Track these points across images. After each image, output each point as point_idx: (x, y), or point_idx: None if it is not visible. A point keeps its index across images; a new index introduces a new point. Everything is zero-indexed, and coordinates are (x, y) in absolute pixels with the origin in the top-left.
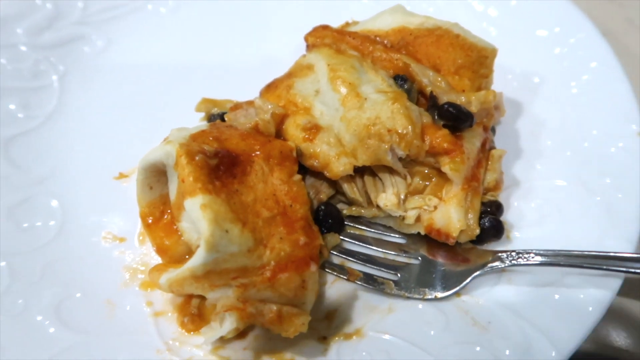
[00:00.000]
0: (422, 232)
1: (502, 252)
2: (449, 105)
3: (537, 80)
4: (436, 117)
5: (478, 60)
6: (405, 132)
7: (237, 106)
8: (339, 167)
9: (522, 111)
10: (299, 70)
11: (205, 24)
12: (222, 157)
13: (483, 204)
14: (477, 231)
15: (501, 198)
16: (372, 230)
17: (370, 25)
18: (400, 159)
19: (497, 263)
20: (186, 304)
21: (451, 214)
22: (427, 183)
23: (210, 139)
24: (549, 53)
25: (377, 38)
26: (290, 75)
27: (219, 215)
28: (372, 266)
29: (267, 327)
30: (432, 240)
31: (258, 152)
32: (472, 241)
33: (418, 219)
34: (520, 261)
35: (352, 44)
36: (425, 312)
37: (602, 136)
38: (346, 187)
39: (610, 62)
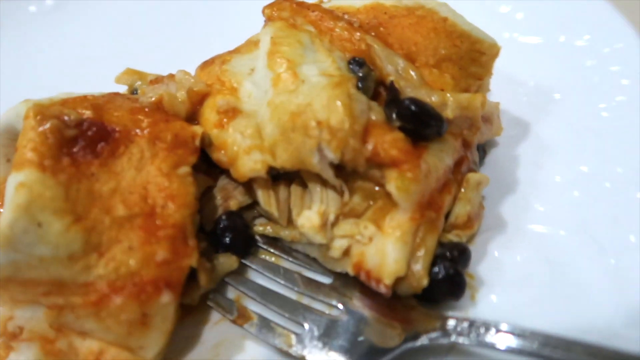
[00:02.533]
0: (351, 272)
1: (452, 318)
2: (411, 101)
3: (557, 96)
4: (394, 117)
5: (469, 55)
6: (338, 126)
7: (158, 80)
8: (248, 163)
9: (528, 134)
10: (245, 46)
11: None
12: (86, 128)
13: (442, 245)
14: (425, 281)
15: (476, 243)
16: (291, 259)
17: (342, 1)
18: (333, 166)
19: (435, 334)
20: None
21: (387, 251)
22: (370, 203)
23: (87, 105)
24: (574, 65)
25: (345, 15)
26: (234, 51)
27: (38, 201)
28: (275, 308)
29: None
30: (368, 287)
31: (145, 131)
32: (422, 297)
33: (347, 252)
34: (474, 338)
35: (310, 18)
36: None
37: (626, 180)
38: (260, 194)
39: None
